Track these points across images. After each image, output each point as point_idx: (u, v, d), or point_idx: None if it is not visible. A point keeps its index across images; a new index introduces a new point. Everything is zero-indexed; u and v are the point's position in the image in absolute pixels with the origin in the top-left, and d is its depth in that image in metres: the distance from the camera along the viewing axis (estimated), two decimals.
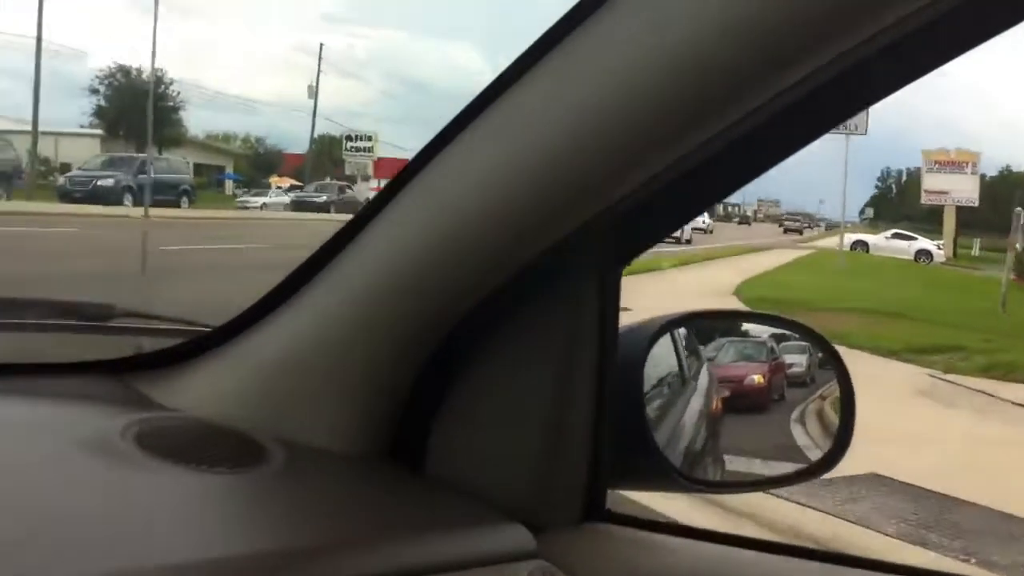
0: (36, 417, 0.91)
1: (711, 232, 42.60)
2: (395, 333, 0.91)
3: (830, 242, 38.53)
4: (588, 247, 0.90)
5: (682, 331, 1.09)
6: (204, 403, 0.94)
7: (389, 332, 0.91)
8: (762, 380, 1.09)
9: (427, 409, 0.97)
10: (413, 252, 0.88)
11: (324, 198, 38.07)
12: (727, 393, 1.09)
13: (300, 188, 44.20)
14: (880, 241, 35.25)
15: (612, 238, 0.91)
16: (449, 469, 0.96)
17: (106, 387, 0.99)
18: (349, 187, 42.36)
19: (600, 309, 0.93)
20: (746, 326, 1.17)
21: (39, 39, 29.32)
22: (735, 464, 1.10)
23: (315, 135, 51.57)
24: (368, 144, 46.80)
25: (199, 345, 1.00)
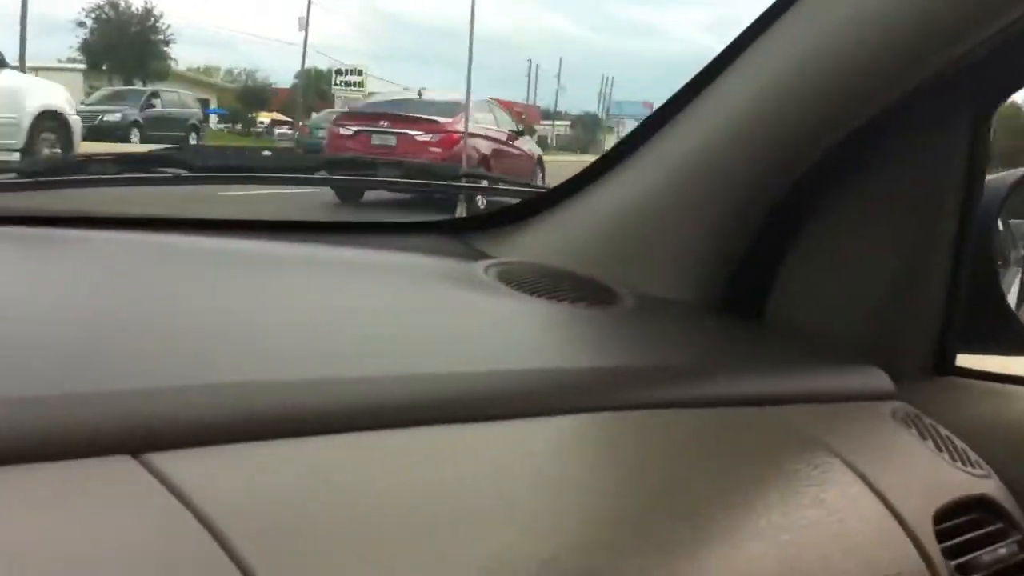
0: (401, 262, 0.91)
1: None
2: (736, 184, 0.89)
3: None
4: (960, 90, 0.87)
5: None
6: (545, 257, 0.93)
7: (730, 184, 0.89)
8: None
9: (769, 260, 0.95)
10: (765, 96, 0.85)
11: None
12: None
13: (288, 124, 43.42)
14: None
15: (987, 80, 0.88)
16: (793, 318, 0.95)
17: (449, 244, 0.98)
18: None
19: (969, 155, 0.90)
20: None
21: None
22: None
23: (302, 69, 50.69)
24: (358, 79, 46.11)
25: (536, 204, 0.98)
